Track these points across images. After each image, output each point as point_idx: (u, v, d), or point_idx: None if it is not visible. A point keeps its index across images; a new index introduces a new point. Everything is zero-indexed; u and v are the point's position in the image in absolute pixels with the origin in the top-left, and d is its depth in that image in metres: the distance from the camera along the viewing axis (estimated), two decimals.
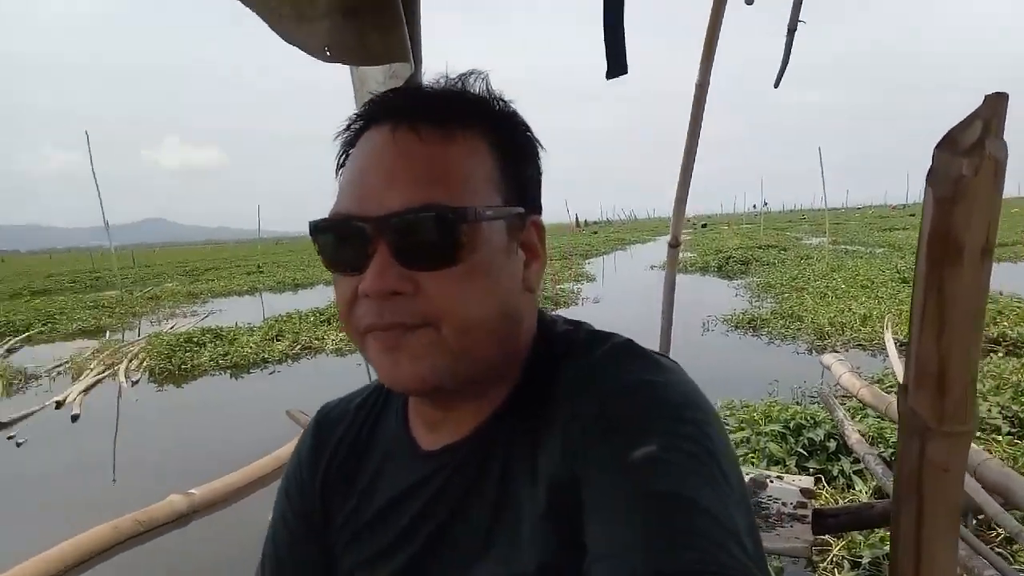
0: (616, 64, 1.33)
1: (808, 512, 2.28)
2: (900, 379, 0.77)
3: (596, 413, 0.64)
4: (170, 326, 14.52)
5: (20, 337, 14.27)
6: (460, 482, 0.73)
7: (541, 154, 0.76)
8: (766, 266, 20.30)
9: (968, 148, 0.47)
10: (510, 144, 0.71)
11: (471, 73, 0.73)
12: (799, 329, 10.37)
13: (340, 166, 0.73)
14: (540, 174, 0.75)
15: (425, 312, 0.65)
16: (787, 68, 2.54)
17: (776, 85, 2.73)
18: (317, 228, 0.70)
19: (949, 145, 0.47)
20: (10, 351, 12.87)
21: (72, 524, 3.83)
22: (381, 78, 2.06)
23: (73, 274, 33.83)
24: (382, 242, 0.64)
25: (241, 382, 9.95)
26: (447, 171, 0.66)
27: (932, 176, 0.48)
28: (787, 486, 2.56)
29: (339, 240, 0.68)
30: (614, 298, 16.41)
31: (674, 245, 2.63)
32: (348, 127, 0.73)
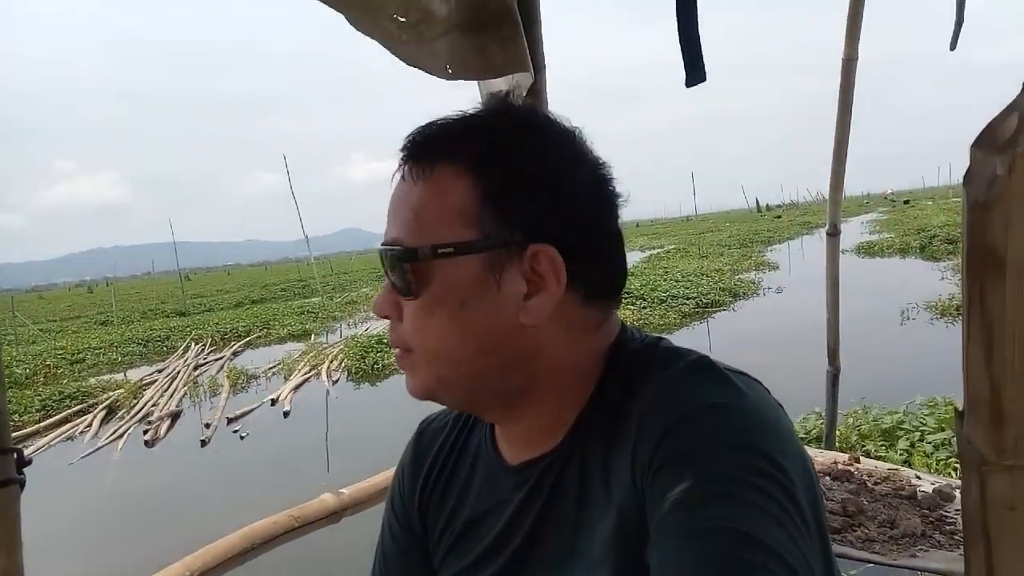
0: (695, 71, 1.27)
1: None
2: None
3: (661, 440, 0.62)
4: (364, 329, 15.75)
5: (242, 342, 16.20)
6: (537, 502, 0.74)
7: (576, 173, 0.71)
8: None
9: (1003, 144, 0.40)
10: (503, 174, 0.69)
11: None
12: None
13: None
14: (561, 199, 0.69)
15: (402, 338, 0.73)
16: (962, 27, 2.26)
17: (952, 47, 2.44)
18: None
19: (986, 140, 0.40)
20: (235, 354, 14.64)
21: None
22: (505, 88, 2.10)
23: (284, 283, 37.64)
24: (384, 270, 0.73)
25: None
26: (412, 209, 0.70)
27: (968, 178, 0.41)
28: None
29: None
30: (799, 287, 15.36)
31: (833, 234, 2.42)
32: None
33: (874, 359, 7.62)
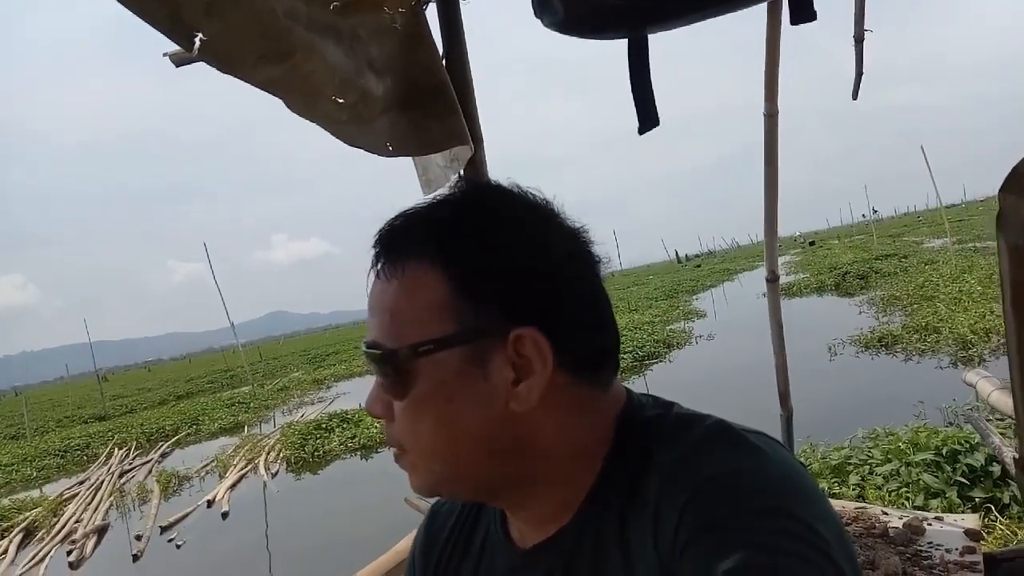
0: (647, 118, 1.32)
1: (978, 558, 2.05)
2: None
3: (685, 509, 0.60)
4: (300, 415, 15.20)
5: (170, 442, 15.35)
6: None
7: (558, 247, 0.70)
8: (887, 277, 19.03)
9: None
10: (473, 262, 0.67)
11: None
12: (937, 341, 9.61)
13: None
14: (536, 277, 0.67)
15: (396, 439, 0.71)
16: (862, 77, 2.42)
17: (854, 96, 2.61)
18: None
19: (1016, 185, 0.41)
20: (164, 456, 13.85)
21: None
22: (443, 162, 2.11)
23: (210, 375, 36.22)
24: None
25: (371, 463, 10.22)
26: (389, 310, 0.68)
27: (1002, 222, 0.42)
28: (948, 528, 2.31)
29: None
30: (729, 332, 15.83)
31: (772, 280, 2.50)
32: None
33: (811, 396, 7.84)
